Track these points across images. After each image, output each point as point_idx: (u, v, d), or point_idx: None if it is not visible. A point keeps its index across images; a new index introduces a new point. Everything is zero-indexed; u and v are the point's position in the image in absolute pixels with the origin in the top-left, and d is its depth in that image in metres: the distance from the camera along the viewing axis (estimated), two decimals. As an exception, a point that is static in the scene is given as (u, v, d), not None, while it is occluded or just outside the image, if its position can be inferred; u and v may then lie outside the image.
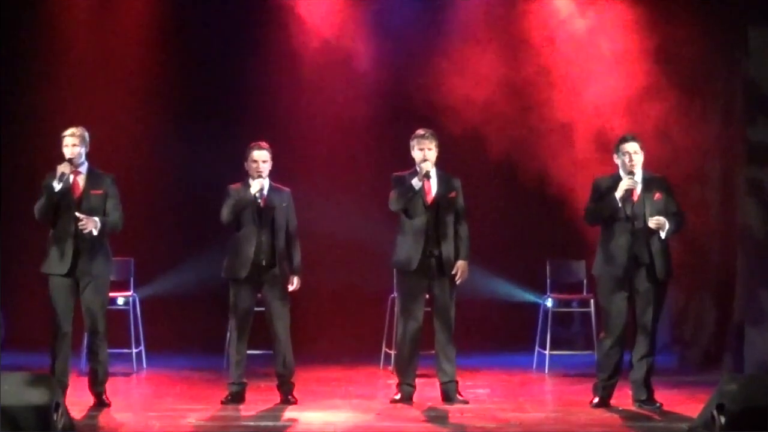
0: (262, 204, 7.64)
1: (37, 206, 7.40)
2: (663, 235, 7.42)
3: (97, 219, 7.37)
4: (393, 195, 7.64)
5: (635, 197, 7.46)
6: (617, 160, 7.55)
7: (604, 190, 7.51)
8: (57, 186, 7.32)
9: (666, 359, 9.54)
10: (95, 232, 7.36)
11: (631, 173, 7.43)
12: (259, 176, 7.61)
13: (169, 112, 10.23)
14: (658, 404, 7.48)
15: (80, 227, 7.31)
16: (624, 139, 7.56)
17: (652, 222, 7.39)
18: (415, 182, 7.58)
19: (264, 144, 7.69)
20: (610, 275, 7.48)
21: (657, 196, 7.51)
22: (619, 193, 7.42)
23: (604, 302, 7.55)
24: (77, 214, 7.32)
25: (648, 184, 7.51)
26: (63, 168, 7.35)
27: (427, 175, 7.59)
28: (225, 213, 7.62)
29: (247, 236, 7.62)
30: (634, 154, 7.47)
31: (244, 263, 7.59)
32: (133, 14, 10.28)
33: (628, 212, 7.44)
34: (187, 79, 10.19)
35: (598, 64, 9.68)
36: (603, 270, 7.53)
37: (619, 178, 7.50)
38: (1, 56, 9.93)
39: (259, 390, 8.04)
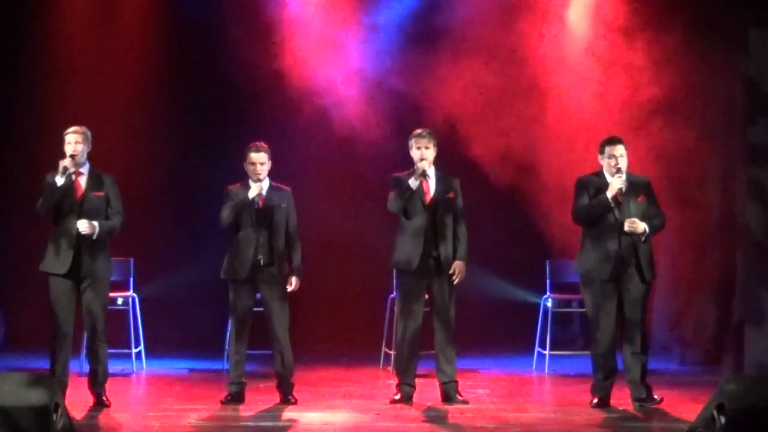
0: (260, 204, 7.64)
1: (40, 203, 7.42)
2: (642, 239, 7.45)
3: (96, 224, 7.38)
4: (391, 196, 7.65)
5: (620, 199, 7.48)
6: (602, 161, 7.58)
7: (593, 190, 7.53)
8: (59, 181, 7.32)
9: (666, 359, 9.55)
10: (94, 237, 7.37)
11: (618, 170, 7.45)
12: (257, 179, 7.60)
13: (169, 111, 10.22)
14: (658, 399, 7.51)
15: (80, 230, 7.32)
16: (610, 141, 7.58)
17: (627, 225, 7.41)
18: (412, 181, 7.58)
19: (262, 145, 7.69)
20: (601, 275, 7.50)
21: (640, 198, 7.55)
22: (611, 193, 7.44)
23: (596, 302, 7.56)
24: (78, 222, 7.33)
25: (632, 185, 7.53)
26: (65, 163, 7.35)
27: (423, 174, 7.60)
28: (224, 215, 7.63)
29: (246, 237, 7.62)
30: (620, 157, 7.50)
31: (243, 264, 7.60)
32: (132, 15, 10.27)
33: (616, 213, 7.46)
34: (188, 80, 10.18)
35: (596, 63, 9.67)
36: (593, 270, 7.54)
37: (604, 178, 7.53)
38: (0, 57, 9.94)
39: (259, 390, 8.04)
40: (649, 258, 7.55)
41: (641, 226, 7.46)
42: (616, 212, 7.49)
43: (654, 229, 7.55)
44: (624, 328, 7.58)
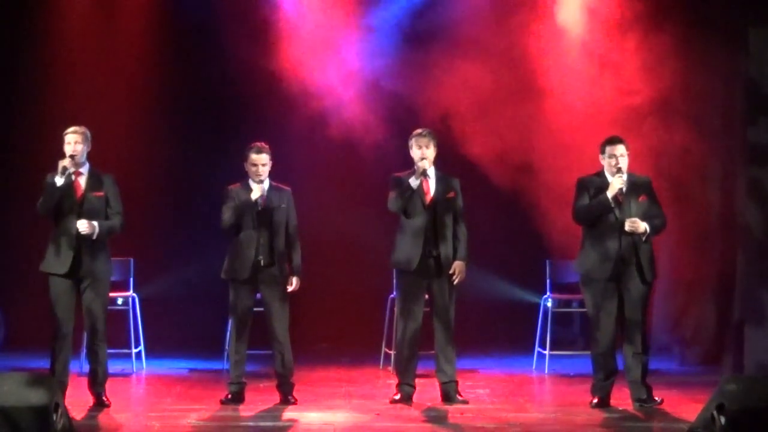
0: (262, 206, 7.64)
1: (40, 202, 7.42)
2: (643, 238, 7.46)
3: (96, 224, 7.39)
4: (391, 195, 7.65)
5: (621, 198, 7.48)
6: (603, 161, 7.58)
7: (593, 190, 7.53)
8: (59, 181, 7.32)
9: (666, 359, 9.55)
10: (94, 237, 7.38)
11: (619, 170, 7.46)
12: (259, 180, 7.60)
13: (168, 111, 10.24)
14: (658, 400, 7.50)
15: (80, 231, 7.32)
16: (611, 141, 7.58)
17: (628, 225, 7.41)
18: (413, 181, 7.58)
19: (264, 146, 7.67)
20: (602, 275, 7.50)
21: (641, 198, 7.55)
22: (611, 192, 7.45)
23: (597, 302, 7.56)
24: (78, 222, 7.33)
25: (633, 186, 7.53)
26: (65, 163, 7.35)
27: (424, 173, 7.60)
28: (225, 217, 7.62)
29: (246, 238, 7.62)
30: (620, 156, 7.50)
31: (244, 265, 7.60)
32: (132, 16, 10.29)
33: (617, 213, 7.47)
34: (188, 79, 10.19)
35: (595, 63, 9.66)
36: (594, 270, 7.54)
37: (604, 178, 7.53)
38: (0, 56, 9.94)
39: (259, 390, 8.05)
40: (649, 258, 7.55)
41: (642, 226, 7.46)
42: (617, 212, 7.49)
43: (655, 229, 7.55)
44: (624, 328, 7.58)
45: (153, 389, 8.46)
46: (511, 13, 9.72)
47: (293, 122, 10.10)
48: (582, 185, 7.64)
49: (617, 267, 7.48)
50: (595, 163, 7.71)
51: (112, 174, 7.65)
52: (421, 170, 7.59)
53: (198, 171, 9.99)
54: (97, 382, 7.54)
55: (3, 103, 10.07)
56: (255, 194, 7.58)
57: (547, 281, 9.55)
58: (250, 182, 7.67)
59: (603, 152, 7.59)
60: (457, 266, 7.68)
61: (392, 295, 8.92)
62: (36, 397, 6.12)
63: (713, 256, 9.45)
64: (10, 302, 9.89)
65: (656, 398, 7.53)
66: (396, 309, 8.18)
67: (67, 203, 7.41)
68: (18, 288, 9.76)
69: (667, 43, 9.33)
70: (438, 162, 7.75)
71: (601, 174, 7.61)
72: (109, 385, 7.64)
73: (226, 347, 8.42)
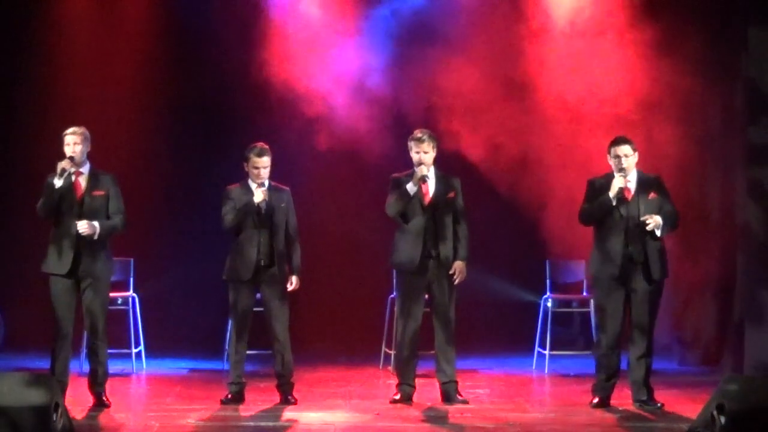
0: (264, 209, 7.63)
1: (39, 204, 7.42)
2: (658, 233, 7.44)
3: (96, 224, 7.38)
4: (389, 199, 7.64)
5: (629, 197, 7.48)
6: (610, 161, 7.58)
7: (597, 190, 7.53)
8: (58, 183, 7.32)
9: (666, 359, 9.55)
10: (95, 237, 7.37)
11: (621, 170, 7.45)
12: (260, 182, 7.59)
13: (169, 111, 10.23)
14: (659, 404, 7.49)
15: (79, 232, 7.32)
16: (616, 141, 7.59)
17: (647, 221, 7.40)
18: (410, 187, 7.57)
19: (265, 148, 7.64)
20: (607, 275, 7.49)
21: (651, 195, 7.53)
22: (612, 192, 7.44)
23: (601, 302, 7.56)
24: (77, 223, 7.32)
25: (642, 184, 7.53)
26: (63, 164, 7.34)
27: (422, 179, 7.59)
28: (228, 219, 7.61)
29: (248, 239, 7.62)
30: (624, 157, 7.49)
31: (247, 265, 7.60)
32: (133, 15, 10.29)
33: (623, 212, 7.46)
34: (188, 79, 10.19)
35: (595, 62, 9.65)
36: (599, 270, 7.54)
37: (612, 178, 7.52)
38: (1, 56, 9.95)
39: (259, 390, 8.04)
40: (659, 256, 7.51)
41: (657, 218, 7.42)
42: (623, 210, 7.48)
43: (672, 224, 7.51)
44: (631, 329, 7.56)
45: (153, 389, 8.47)
46: (505, 12, 9.72)
47: (292, 122, 10.09)
48: (588, 187, 7.65)
49: (623, 266, 7.46)
50: (597, 161, 7.71)
51: (113, 174, 7.65)
52: (419, 176, 7.58)
53: (198, 171, 9.99)
54: (97, 382, 7.54)
55: (3, 104, 10.07)
56: (257, 198, 7.57)
57: (547, 281, 9.55)
58: (250, 183, 7.66)
59: (609, 153, 7.59)
60: (458, 266, 7.68)
61: (392, 295, 8.92)
62: (36, 397, 6.12)
63: (713, 256, 9.45)
64: (10, 302, 9.88)
65: (657, 401, 7.51)
66: (396, 309, 8.18)
67: (67, 203, 7.41)
68: (18, 288, 9.75)
69: (665, 42, 9.33)
70: (436, 162, 7.74)
71: (608, 175, 7.60)
72: (109, 385, 7.64)
73: (226, 347, 8.43)
